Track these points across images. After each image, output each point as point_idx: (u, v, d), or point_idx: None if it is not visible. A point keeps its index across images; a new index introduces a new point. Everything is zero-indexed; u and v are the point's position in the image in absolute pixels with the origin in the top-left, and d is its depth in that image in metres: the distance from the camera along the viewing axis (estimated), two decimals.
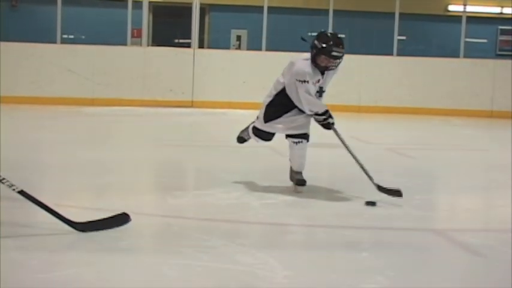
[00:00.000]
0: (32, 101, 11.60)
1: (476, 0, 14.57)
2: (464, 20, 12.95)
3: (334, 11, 12.80)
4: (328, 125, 4.98)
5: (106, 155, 6.74)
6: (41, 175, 5.80)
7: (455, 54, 13.01)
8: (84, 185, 5.36)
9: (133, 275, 3.15)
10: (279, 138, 5.26)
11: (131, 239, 3.75)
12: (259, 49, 12.80)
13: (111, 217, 3.88)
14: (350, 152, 4.98)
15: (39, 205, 3.77)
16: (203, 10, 14.16)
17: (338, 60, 4.88)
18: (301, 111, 4.99)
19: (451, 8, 15.70)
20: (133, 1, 12.69)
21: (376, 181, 4.87)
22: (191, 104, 12.34)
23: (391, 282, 3.18)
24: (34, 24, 14.11)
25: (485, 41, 15.84)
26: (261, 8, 12.71)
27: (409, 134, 10.08)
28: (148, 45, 13.32)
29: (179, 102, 12.23)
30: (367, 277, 3.21)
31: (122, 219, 3.90)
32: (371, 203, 4.69)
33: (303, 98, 4.88)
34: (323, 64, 4.88)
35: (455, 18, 13.88)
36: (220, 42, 14.83)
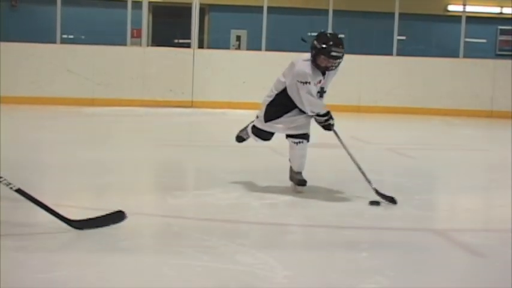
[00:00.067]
0: (32, 101, 11.60)
1: (476, 0, 14.57)
2: (464, 20, 12.95)
3: (334, 11, 12.80)
4: (328, 126, 4.99)
5: (106, 155, 6.74)
6: (41, 175, 5.80)
7: (455, 54, 13.01)
8: (84, 185, 5.36)
9: (133, 275, 3.15)
10: (279, 138, 5.26)
11: (131, 239, 3.75)
12: (259, 49, 12.80)
13: (107, 215, 3.91)
14: (349, 154, 4.98)
15: (36, 203, 3.79)
16: (203, 10, 14.17)
17: (338, 61, 4.88)
18: (302, 112, 4.99)
19: (451, 8, 15.70)
20: (133, 1, 12.69)
21: (374, 185, 4.84)
22: (191, 104, 12.34)
23: (391, 282, 3.18)
24: (34, 24, 14.11)
25: (485, 41, 15.84)
26: (261, 8, 12.72)
27: (409, 134, 10.08)
28: (148, 46, 13.32)
29: (179, 102, 12.23)
30: (367, 277, 3.21)
31: (118, 216, 3.92)
32: (375, 203, 4.69)
33: (305, 99, 4.88)
34: (323, 64, 4.88)
35: (455, 18, 13.89)
36: (220, 43, 14.83)
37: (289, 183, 5.18)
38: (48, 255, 3.41)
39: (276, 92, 5.04)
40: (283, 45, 12.55)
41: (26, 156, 6.47)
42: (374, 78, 12.68)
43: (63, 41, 12.61)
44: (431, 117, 11.97)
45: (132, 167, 6.34)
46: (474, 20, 13.97)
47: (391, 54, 12.93)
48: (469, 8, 13.27)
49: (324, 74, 4.94)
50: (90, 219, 3.85)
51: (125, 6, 12.64)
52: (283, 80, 5.01)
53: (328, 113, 4.96)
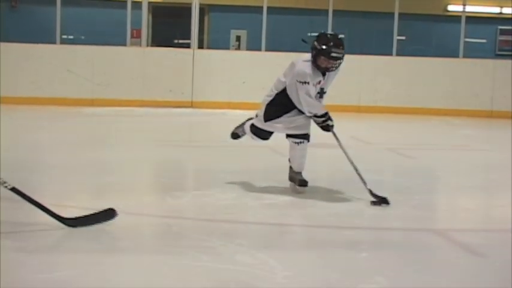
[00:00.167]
0: (32, 101, 11.60)
1: (476, 0, 14.57)
2: (463, 20, 12.95)
3: (334, 11, 12.80)
4: (327, 127, 4.98)
5: (106, 156, 6.74)
6: (41, 175, 5.80)
7: (454, 54, 13.01)
8: (84, 185, 5.36)
9: (133, 275, 3.15)
10: (278, 138, 5.26)
11: (131, 240, 3.75)
12: (259, 49, 12.80)
13: (98, 212, 3.95)
14: (346, 155, 4.96)
15: (31, 202, 3.83)
16: (202, 10, 14.17)
17: (338, 61, 4.88)
18: (301, 112, 4.99)
19: (451, 8, 15.70)
20: (132, 1, 12.69)
21: (369, 186, 4.83)
22: (191, 105, 12.34)
23: (391, 283, 3.18)
24: (34, 24, 14.11)
25: (484, 41, 15.84)
26: (261, 8, 12.71)
27: (408, 134, 10.08)
28: (147, 46, 13.31)
29: (179, 103, 12.23)
30: (367, 277, 3.21)
31: (108, 214, 3.96)
32: (376, 203, 4.68)
33: (303, 99, 4.88)
34: (323, 65, 4.88)
35: (455, 18, 13.89)
36: (220, 43, 14.82)
37: (289, 184, 5.17)
38: (48, 256, 3.41)
39: (276, 92, 5.04)
40: (283, 46, 12.56)
41: (26, 156, 6.47)
42: (374, 79, 12.68)
43: (63, 42, 12.61)
44: (431, 117, 11.97)
45: (132, 167, 6.34)
46: (474, 20, 13.97)
47: (390, 54, 12.93)
48: (468, 8, 13.27)
49: (324, 74, 4.94)
50: (82, 217, 3.89)
51: (125, 7, 12.64)
52: (283, 80, 5.01)
53: (326, 114, 4.95)
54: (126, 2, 12.65)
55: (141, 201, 4.80)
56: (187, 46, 12.92)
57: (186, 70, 12.37)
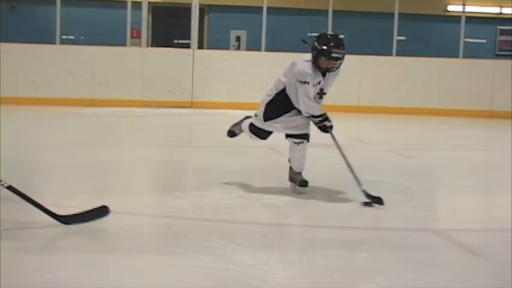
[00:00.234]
0: (32, 102, 11.60)
1: (476, 1, 14.58)
2: (463, 20, 12.96)
3: (334, 12, 12.81)
4: (324, 128, 4.97)
5: (106, 156, 6.74)
6: (41, 176, 5.79)
7: (454, 55, 13.01)
8: (84, 185, 5.36)
9: (133, 276, 3.15)
10: (278, 138, 5.26)
11: (131, 240, 3.75)
12: (259, 50, 12.81)
13: (92, 210, 3.99)
14: (344, 156, 4.94)
15: (27, 200, 3.86)
16: (202, 11, 14.17)
17: (339, 62, 4.87)
18: (301, 112, 4.99)
19: (450, 8, 15.71)
20: (132, 2, 12.69)
21: (364, 187, 4.81)
22: (190, 105, 12.35)
23: (391, 283, 3.18)
24: (33, 25, 14.12)
25: (484, 41, 15.86)
26: (260, 8, 12.72)
27: (408, 134, 10.08)
28: (147, 46, 13.32)
29: (179, 103, 12.23)
30: (367, 277, 3.21)
31: (102, 211, 4.00)
32: (368, 204, 4.67)
33: (301, 99, 4.88)
34: (324, 66, 4.87)
35: (455, 19, 13.89)
36: (220, 43, 14.83)
37: (289, 184, 5.17)
38: (48, 256, 3.41)
39: (276, 92, 5.04)
40: (282, 46, 12.57)
41: (26, 156, 6.47)
42: (374, 79, 12.69)
43: (63, 42, 12.62)
44: (431, 118, 11.97)
45: (132, 167, 6.35)
46: (474, 20, 13.99)
47: (390, 54, 12.94)
48: (468, 8, 13.28)
49: (324, 75, 4.93)
50: (76, 214, 3.93)
51: (125, 7, 12.64)
52: (283, 80, 5.01)
53: (323, 115, 4.94)
54: (126, 2, 12.66)
55: (141, 201, 4.80)
56: (187, 46, 12.92)
57: (186, 70, 12.37)
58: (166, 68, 12.36)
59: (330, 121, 4.97)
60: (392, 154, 7.65)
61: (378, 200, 4.68)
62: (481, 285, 3.27)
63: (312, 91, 4.89)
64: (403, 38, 13.72)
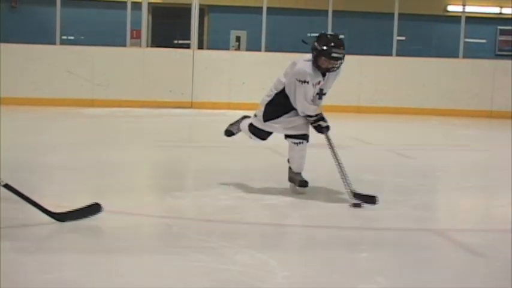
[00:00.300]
0: (32, 102, 11.60)
1: (476, 1, 14.57)
2: (463, 20, 12.95)
3: (334, 12, 12.80)
4: (319, 128, 4.96)
5: (106, 156, 6.74)
6: (41, 176, 5.79)
7: (454, 55, 13.01)
8: (84, 185, 5.35)
9: (133, 276, 3.15)
10: (278, 139, 5.25)
11: (131, 240, 3.75)
12: (259, 50, 12.80)
13: (85, 207, 4.03)
14: (335, 157, 4.91)
15: (23, 198, 3.90)
16: (202, 11, 14.17)
17: (339, 62, 4.87)
18: None
19: (450, 8, 15.71)
20: (132, 2, 12.69)
21: (353, 186, 4.79)
22: (190, 105, 12.34)
23: (391, 283, 3.18)
24: (33, 25, 14.11)
25: (484, 41, 15.85)
26: (260, 8, 12.72)
27: (408, 135, 10.08)
28: (147, 46, 13.32)
29: (178, 103, 12.23)
30: (367, 277, 3.21)
31: (95, 209, 4.05)
32: (357, 205, 4.64)
33: (298, 99, 4.88)
34: (324, 66, 4.87)
35: (455, 19, 13.89)
36: (220, 43, 14.83)
37: (289, 184, 5.17)
38: (48, 256, 3.41)
39: (275, 92, 5.03)
40: (282, 46, 12.56)
41: (26, 157, 6.47)
42: (373, 79, 12.69)
43: (63, 42, 12.61)
44: (430, 118, 11.97)
45: (132, 167, 6.35)
46: (474, 20, 13.98)
47: (390, 54, 12.93)
48: (468, 9, 13.27)
49: (324, 75, 4.93)
50: (70, 211, 3.97)
51: (125, 7, 12.64)
52: (283, 80, 5.00)
53: (318, 115, 4.93)
54: (126, 2, 12.65)
55: (141, 201, 4.80)
56: (187, 47, 12.92)
57: (186, 71, 12.37)
58: (166, 69, 12.35)
59: (325, 121, 4.96)
60: (392, 154, 7.65)
61: (370, 199, 4.64)
62: (481, 285, 3.27)
63: (311, 91, 4.89)
64: (403, 38, 13.72)
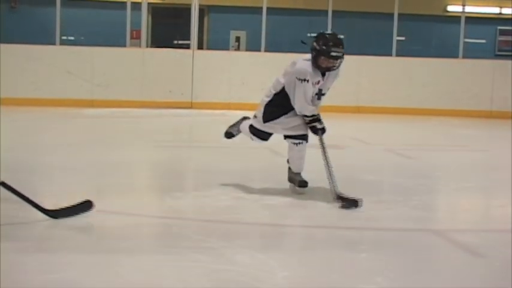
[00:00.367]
0: (31, 102, 11.60)
1: (475, 1, 14.57)
2: (463, 20, 12.96)
3: (333, 12, 12.81)
4: (314, 129, 4.96)
5: (105, 157, 6.74)
6: (41, 177, 5.80)
7: (454, 55, 13.02)
8: (83, 186, 5.35)
9: (132, 276, 3.15)
10: (278, 139, 5.25)
11: (131, 240, 3.75)
12: (258, 50, 12.81)
13: (77, 204, 4.10)
14: (325, 159, 4.89)
15: (17, 195, 3.96)
16: (202, 11, 14.17)
17: (339, 61, 4.87)
18: None
19: (450, 8, 15.71)
20: (132, 2, 12.69)
21: (338, 189, 4.78)
22: (190, 105, 12.34)
23: (391, 283, 3.18)
24: (33, 25, 14.11)
25: (484, 41, 15.85)
26: (260, 9, 12.72)
27: (408, 135, 10.08)
28: (147, 47, 13.33)
29: (178, 103, 12.23)
30: (367, 278, 3.21)
31: (87, 206, 4.11)
32: (345, 206, 4.62)
33: (297, 97, 4.87)
34: (324, 65, 4.87)
35: (454, 19, 13.89)
36: (219, 43, 14.82)
37: (288, 184, 5.17)
38: (48, 256, 3.41)
39: (274, 92, 5.03)
40: (282, 46, 12.57)
41: (26, 157, 6.47)
42: (373, 79, 12.69)
43: (63, 43, 12.61)
44: (430, 118, 11.97)
45: (132, 168, 6.35)
46: (473, 20, 13.99)
47: (390, 54, 12.94)
48: (468, 9, 13.28)
49: (323, 75, 4.93)
50: (63, 208, 4.04)
51: (124, 8, 12.64)
52: (282, 80, 5.00)
53: (314, 115, 4.93)
54: (125, 3, 12.66)
55: (141, 201, 4.80)
56: (187, 47, 12.92)
57: (185, 71, 12.37)
58: (166, 69, 12.36)
59: (321, 123, 4.95)
60: (392, 154, 7.65)
61: (353, 203, 4.61)
62: (481, 285, 3.27)
63: (311, 90, 4.89)
64: (403, 38, 13.71)
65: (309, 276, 3.24)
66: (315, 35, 5.01)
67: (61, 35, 12.43)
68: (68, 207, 4.07)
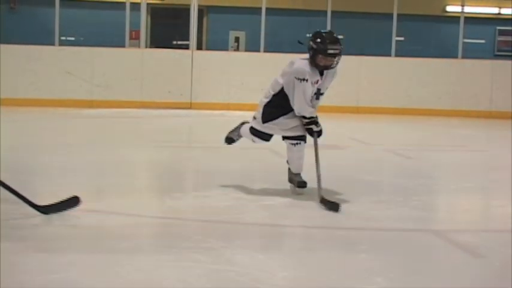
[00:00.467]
0: (31, 103, 11.60)
1: (474, 1, 14.58)
2: (462, 20, 12.96)
3: (332, 12, 12.81)
4: (310, 131, 4.95)
5: (105, 157, 6.74)
6: (40, 177, 5.80)
7: (453, 55, 13.02)
8: (83, 186, 5.34)
9: (132, 277, 3.15)
10: (278, 140, 5.25)
11: (130, 241, 3.75)
12: (258, 50, 12.81)
13: (65, 200, 4.18)
14: (317, 162, 4.88)
15: (10, 190, 4.00)
16: (201, 11, 14.17)
17: (336, 58, 4.86)
18: None
19: (449, 8, 15.71)
20: (131, 3, 12.69)
21: (322, 192, 4.76)
22: (190, 106, 12.35)
23: (391, 283, 3.18)
24: (32, 26, 14.11)
25: (483, 41, 15.85)
26: (259, 9, 12.72)
27: (407, 135, 10.08)
28: (146, 47, 13.32)
29: (178, 104, 12.23)
30: (366, 278, 3.21)
31: (74, 201, 4.20)
32: (334, 208, 4.58)
33: (296, 97, 4.86)
34: (322, 63, 4.86)
35: (454, 19, 13.90)
36: (219, 44, 14.82)
37: (288, 185, 5.17)
38: (48, 256, 3.40)
39: (273, 93, 5.02)
40: (281, 47, 12.57)
41: (26, 158, 6.47)
42: (372, 79, 12.69)
43: (62, 43, 12.61)
44: (430, 118, 11.98)
45: (131, 168, 6.35)
46: (472, 20, 14.00)
47: (389, 55, 12.94)
48: (467, 9, 13.29)
49: (322, 74, 4.92)
50: (53, 204, 4.11)
51: (123, 8, 12.64)
52: (280, 81, 4.99)
53: (311, 118, 4.93)
54: (124, 3, 12.65)
55: (140, 202, 4.80)
56: (186, 47, 12.92)
57: (184, 71, 12.37)
58: (165, 69, 12.36)
59: (318, 126, 4.94)
60: (392, 154, 7.66)
61: (334, 206, 4.57)
62: (481, 285, 3.27)
63: (310, 90, 4.88)
64: (402, 38, 13.72)
65: (309, 277, 3.24)
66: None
67: (60, 35, 12.43)
68: (57, 203, 4.14)
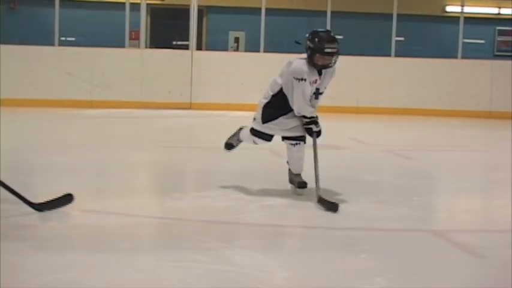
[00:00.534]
0: (31, 103, 11.60)
1: (474, 1, 14.57)
2: (462, 20, 12.96)
3: (332, 12, 12.81)
4: (310, 131, 4.95)
5: (105, 157, 6.74)
6: (40, 177, 5.80)
7: (453, 55, 13.02)
8: (83, 187, 5.34)
9: (132, 277, 3.15)
10: (278, 140, 5.25)
11: (130, 241, 3.75)
12: (257, 51, 12.81)
13: (59, 198, 4.25)
14: (315, 162, 4.89)
15: (6, 188, 4.03)
16: (201, 12, 14.17)
17: (334, 57, 4.86)
18: None
19: (449, 8, 15.71)
20: (131, 3, 12.69)
21: (320, 192, 4.76)
22: (189, 106, 12.35)
23: (390, 284, 3.18)
24: (32, 26, 14.11)
25: (483, 41, 15.85)
26: (259, 9, 12.72)
27: (407, 135, 10.07)
28: (146, 47, 13.32)
29: (177, 104, 12.23)
30: (366, 278, 3.21)
31: (68, 199, 4.26)
32: (332, 208, 4.60)
33: (296, 98, 4.85)
34: (320, 63, 4.86)
35: (453, 19, 13.90)
36: (218, 44, 14.83)
37: (288, 185, 5.16)
38: (48, 256, 3.40)
39: (272, 94, 5.01)
40: (281, 47, 12.54)
41: (25, 158, 6.47)
42: (372, 80, 12.69)
43: (62, 44, 12.61)
44: (429, 118, 11.97)
45: (131, 168, 6.34)
46: (472, 20, 13.99)
47: (389, 55, 12.93)
48: (467, 9, 13.29)
49: (320, 73, 4.92)
50: (47, 201, 4.19)
51: (123, 8, 12.64)
52: (279, 81, 4.98)
53: (311, 118, 4.93)
54: (124, 3, 12.65)
55: (140, 202, 4.80)
56: (186, 48, 12.92)
57: (184, 72, 12.37)
58: (165, 70, 12.36)
59: (318, 126, 4.94)
60: (392, 155, 7.65)
61: (332, 206, 4.58)
62: (481, 285, 3.27)
63: (309, 89, 4.88)
64: (402, 38, 13.72)
65: (309, 277, 3.25)
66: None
67: (60, 35, 12.43)
68: (51, 201, 4.18)
